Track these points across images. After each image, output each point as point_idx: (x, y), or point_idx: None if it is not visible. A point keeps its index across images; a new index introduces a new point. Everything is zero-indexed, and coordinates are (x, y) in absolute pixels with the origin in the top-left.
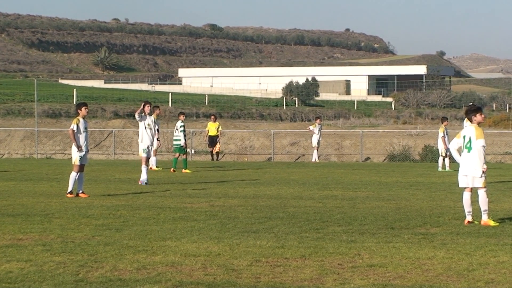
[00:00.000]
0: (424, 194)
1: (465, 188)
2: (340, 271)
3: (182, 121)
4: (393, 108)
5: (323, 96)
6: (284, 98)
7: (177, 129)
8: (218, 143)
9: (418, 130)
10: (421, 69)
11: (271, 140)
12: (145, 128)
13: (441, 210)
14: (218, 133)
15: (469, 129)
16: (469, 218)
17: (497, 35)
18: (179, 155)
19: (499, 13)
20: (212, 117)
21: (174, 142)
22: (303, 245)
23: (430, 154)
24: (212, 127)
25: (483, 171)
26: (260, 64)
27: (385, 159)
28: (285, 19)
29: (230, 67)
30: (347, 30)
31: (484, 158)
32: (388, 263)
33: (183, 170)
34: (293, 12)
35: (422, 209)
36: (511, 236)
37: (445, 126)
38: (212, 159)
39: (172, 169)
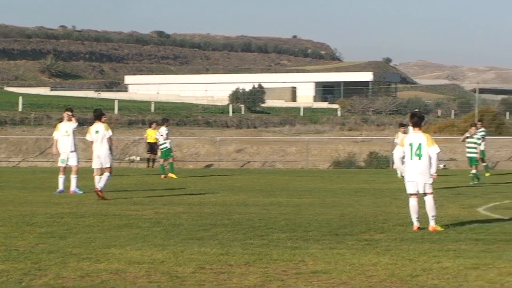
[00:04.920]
0: (369, 201)
1: (411, 194)
2: (284, 277)
3: (167, 128)
4: (339, 115)
5: (270, 103)
6: (231, 105)
7: (162, 135)
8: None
9: (363, 137)
10: (367, 76)
11: (216, 147)
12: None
13: (386, 216)
14: (156, 140)
15: (417, 135)
16: (417, 224)
17: (443, 42)
18: (165, 160)
19: (445, 20)
20: (154, 124)
21: (161, 147)
22: (248, 252)
23: (375, 160)
24: (151, 134)
25: (433, 178)
26: (207, 71)
27: (330, 166)
28: (232, 26)
29: (177, 74)
30: (294, 37)
31: (436, 164)
32: (332, 270)
33: (169, 175)
34: (240, 19)
35: (366, 215)
36: (455, 242)
37: (402, 132)
38: (148, 166)
39: (162, 175)
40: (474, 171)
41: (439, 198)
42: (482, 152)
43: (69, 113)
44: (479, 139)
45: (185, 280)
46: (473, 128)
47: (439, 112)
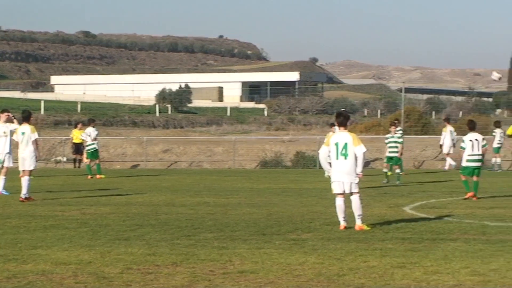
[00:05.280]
0: (296, 200)
1: (338, 194)
2: (212, 277)
3: (95, 128)
4: (266, 115)
5: (196, 103)
6: (157, 105)
7: (89, 136)
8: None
9: (290, 137)
10: (293, 76)
11: (143, 147)
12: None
13: (312, 216)
14: (82, 141)
15: (343, 135)
16: (344, 223)
17: (369, 42)
18: (91, 161)
19: (371, 20)
20: (79, 124)
21: (88, 148)
22: (175, 252)
23: (302, 160)
24: (77, 135)
25: (359, 177)
26: (133, 71)
27: (257, 166)
28: (158, 26)
29: (103, 74)
30: (221, 37)
31: (363, 163)
32: (259, 269)
33: (97, 176)
34: (167, 19)
35: (293, 215)
36: (381, 241)
37: (334, 131)
38: (75, 166)
39: (89, 176)
40: (398, 170)
41: (365, 197)
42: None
43: (9, 114)
44: (399, 137)
45: (112, 280)
46: (393, 127)
47: (366, 112)
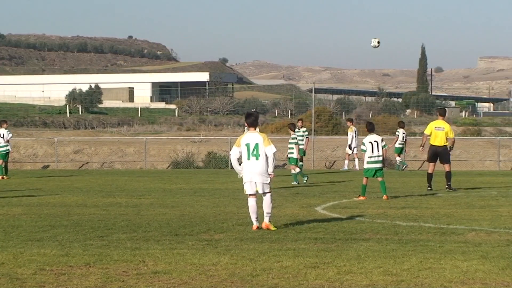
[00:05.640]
0: (208, 201)
1: (250, 194)
2: (125, 278)
3: (6, 128)
4: (177, 115)
5: (107, 103)
6: (68, 105)
7: (1, 137)
8: None
9: (201, 137)
10: (204, 76)
11: (54, 148)
12: None
13: (225, 216)
14: None
15: (254, 136)
16: (256, 223)
17: (278, 43)
18: (3, 161)
19: (280, 20)
20: None
21: (2, 149)
22: (88, 252)
23: (214, 160)
24: None
25: (270, 177)
26: (43, 71)
27: (169, 166)
28: (67, 26)
29: (13, 74)
30: (130, 37)
31: (274, 164)
32: (172, 270)
33: (5, 177)
34: (76, 19)
35: (206, 215)
36: (294, 241)
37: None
38: None
39: (1, 176)
40: (294, 170)
41: (278, 197)
42: (302, 150)
43: None
44: (300, 137)
45: (25, 281)
46: (300, 122)
47: (276, 112)
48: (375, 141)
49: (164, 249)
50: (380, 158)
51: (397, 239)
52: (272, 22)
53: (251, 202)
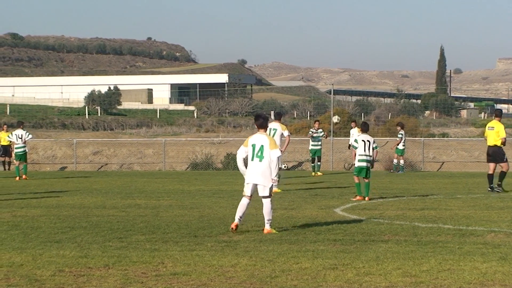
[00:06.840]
0: (227, 202)
1: (246, 196)
2: (144, 279)
3: (23, 129)
4: (196, 117)
5: (126, 105)
6: (87, 107)
7: (20, 138)
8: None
9: (220, 139)
10: (222, 78)
11: (73, 150)
12: None
13: (244, 218)
14: (9, 142)
15: (261, 137)
16: (237, 222)
17: (297, 44)
18: (20, 162)
19: (299, 21)
20: (5, 126)
21: (16, 151)
22: (107, 254)
23: (232, 162)
24: (3, 137)
25: (273, 182)
26: (62, 73)
27: (187, 168)
28: (86, 28)
29: (32, 76)
30: (149, 39)
31: (277, 168)
32: (191, 271)
33: (24, 177)
34: (95, 21)
35: (225, 216)
36: (313, 243)
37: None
38: (5, 169)
39: (17, 177)
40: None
41: (296, 199)
42: (320, 151)
43: None
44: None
45: (44, 283)
46: (316, 123)
47: (295, 114)
48: (367, 140)
49: (183, 251)
50: (370, 158)
51: (416, 241)
52: (290, 24)
53: (243, 201)
